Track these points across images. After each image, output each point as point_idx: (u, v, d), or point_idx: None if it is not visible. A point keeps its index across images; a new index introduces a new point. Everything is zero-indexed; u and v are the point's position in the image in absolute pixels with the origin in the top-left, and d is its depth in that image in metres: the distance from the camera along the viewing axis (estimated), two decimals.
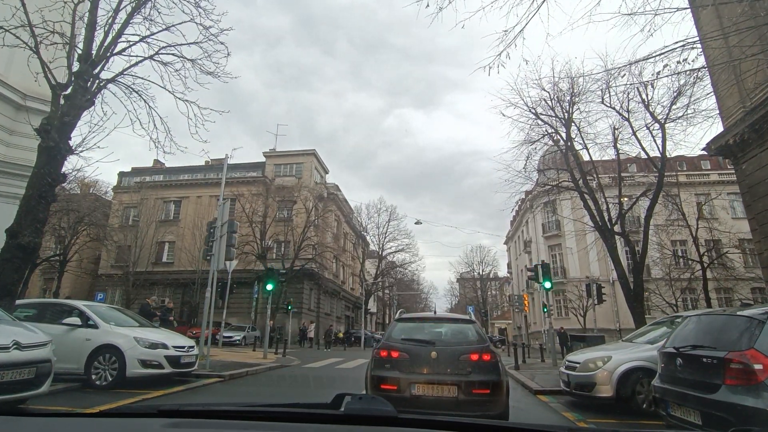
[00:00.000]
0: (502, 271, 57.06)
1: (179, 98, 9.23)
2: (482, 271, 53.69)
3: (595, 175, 14.43)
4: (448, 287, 78.96)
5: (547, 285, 13.17)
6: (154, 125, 9.56)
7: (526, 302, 30.64)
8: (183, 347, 7.59)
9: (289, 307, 27.04)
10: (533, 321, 35.64)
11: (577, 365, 6.39)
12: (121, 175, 40.16)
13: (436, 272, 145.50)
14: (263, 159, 39.21)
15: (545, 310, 27.38)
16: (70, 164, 22.68)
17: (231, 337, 26.84)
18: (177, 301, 34.94)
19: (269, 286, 14.54)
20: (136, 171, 40.91)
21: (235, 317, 32.53)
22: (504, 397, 4.94)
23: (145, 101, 9.10)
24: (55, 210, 28.57)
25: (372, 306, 55.31)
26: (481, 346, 5.19)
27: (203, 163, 40.50)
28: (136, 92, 8.96)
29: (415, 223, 31.49)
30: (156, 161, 45.06)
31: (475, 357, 5.02)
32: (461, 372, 4.91)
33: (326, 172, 41.69)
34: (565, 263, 32.83)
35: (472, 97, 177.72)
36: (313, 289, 35.96)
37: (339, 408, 1.32)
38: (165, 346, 7.20)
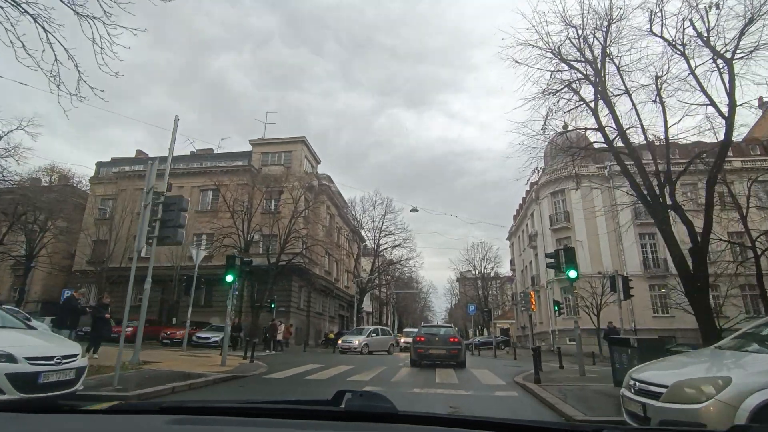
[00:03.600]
0: (504, 269, 54.53)
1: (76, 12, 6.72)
2: (484, 268, 51.11)
3: (640, 128, 11.43)
4: (448, 286, 76.58)
5: (573, 274, 10.61)
6: (54, 55, 7.11)
7: (533, 300, 28.10)
8: (49, 359, 5.04)
9: (272, 306, 24.53)
10: (539, 320, 33.13)
11: (662, 390, 3.86)
12: (99, 165, 37.64)
13: (435, 272, 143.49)
14: (250, 148, 36.70)
15: (556, 308, 24.89)
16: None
17: (208, 338, 24.34)
18: (155, 300, 32.47)
19: (229, 278, 11.99)
20: (116, 161, 38.34)
21: (219, 316, 30.02)
22: (463, 354, 14.08)
23: (28, 14, 6.59)
24: (18, 203, 26.22)
25: (367, 305, 52.80)
26: (454, 335, 14.68)
27: (188, 154, 38.19)
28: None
29: (411, 211, 28.56)
30: (139, 151, 42.60)
31: (452, 340, 14.04)
32: (447, 344, 13.81)
33: (318, 162, 39.15)
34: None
35: (463, 97, 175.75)
36: (303, 286, 33.45)
37: (340, 405, 1.34)
38: (11, 359, 4.66)
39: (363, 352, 21.34)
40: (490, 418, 1.27)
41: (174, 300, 29.77)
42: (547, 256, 11.03)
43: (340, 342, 23.17)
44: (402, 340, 29.19)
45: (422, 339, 14.10)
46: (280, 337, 22.02)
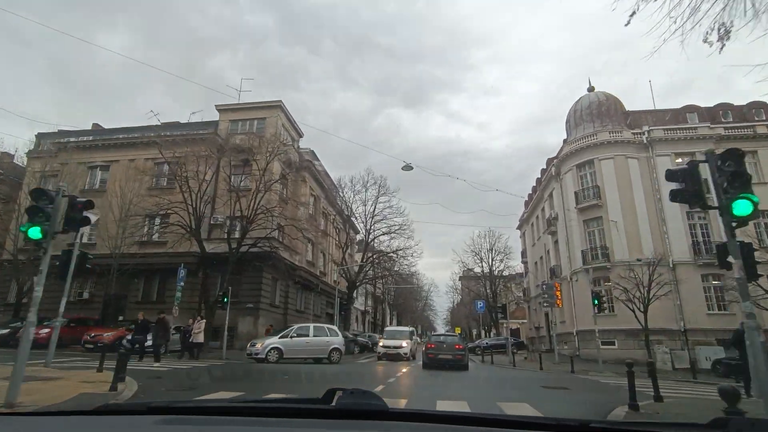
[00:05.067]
0: (515, 261, 48.64)
1: None
2: (492, 260, 45.29)
3: None
4: (451, 283, 70.97)
5: (746, 207, 4.85)
6: None
7: (558, 293, 22.55)
8: None
9: (225, 300, 19.00)
10: (560, 319, 27.52)
11: None
12: (40, 137, 32.05)
13: (436, 273, 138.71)
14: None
15: (596, 302, 19.34)
16: None
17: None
18: (98, 295, 27.02)
19: (34, 233, 6.28)
20: (63, 133, 32.82)
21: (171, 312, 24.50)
22: (466, 358, 16.58)
23: None
24: None
25: (359, 302, 47.18)
26: (459, 342, 17.31)
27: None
28: None
29: (404, 168, 22.01)
30: (95, 125, 37.10)
31: (457, 346, 16.51)
32: (453, 350, 16.17)
33: (299, 135, 33.58)
34: (608, 242, 24.70)
35: (461, 97, 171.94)
36: (278, 279, 27.93)
37: (331, 403, 1.34)
38: None
39: (269, 360, 15.86)
40: (479, 414, 1.29)
41: (111, 294, 24.24)
42: (669, 176, 5.14)
43: (248, 347, 17.42)
44: (381, 344, 21.41)
45: (432, 346, 16.67)
46: (200, 339, 16.37)
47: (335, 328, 18.86)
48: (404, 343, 20.30)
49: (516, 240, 48.51)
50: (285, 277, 28.20)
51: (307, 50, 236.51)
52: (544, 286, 23.02)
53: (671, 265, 23.29)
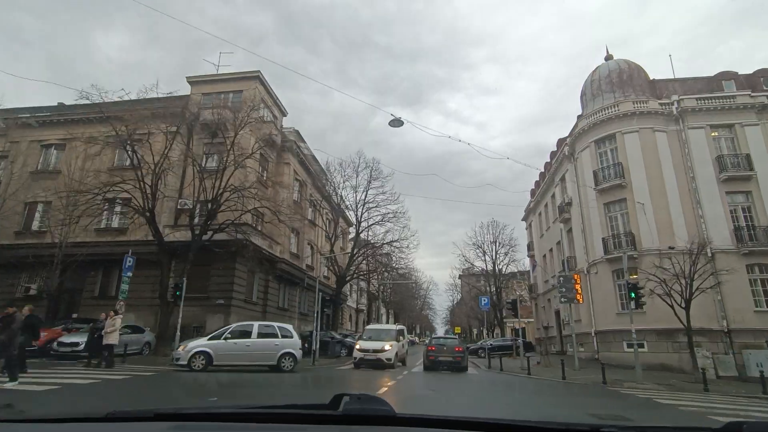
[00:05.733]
0: (521, 254, 45.13)
1: None
2: (496, 253, 41.80)
3: None
4: (451, 281, 67.61)
5: None
6: None
7: (578, 285, 19.17)
8: None
9: (177, 293, 15.64)
10: (576, 317, 24.14)
11: None
12: None
13: (435, 272, 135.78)
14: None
15: (633, 295, 15.86)
16: None
17: (77, 344, 15.47)
18: (53, 289, 23.65)
19: None
20: (17, 110, 29.35)
21: (132, 312, 21.09)
22: (465, 360, 17.16)
23: None
24: None
25: (353, 299, 43.77)
26: (459, 345, 17.93)
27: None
28: None
29: (392, 123, 17.58)
30: (62, 104, 33.75)
31: (457, 349, 17.17)
32: (452, 353, 16.86)
33: (283, 113, 30.21)
34: (633, 228, 21.35)
35: (459, 97, 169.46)
36: (256, 272, 24.58)
37: (337, 408, 1.31)
38: None
39: (194, 368, 12.73)
40: (488, 419, 1.26)
41: (53, 287, 20.85)
42: None
43: (173, 351, 14.26)
44: (357, 346, 17.33)
45: (433, 348, 17.37)
46: (112, 340, 12.83)
47: (289, 327, 15.16)
48: (387, 346, 16.45)
49: (521, 232, 45.18)
50: (263, 269, 24.83)
51: (306, 50, 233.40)
52: (561, 279, 19.63)
53: (710, 254, 19.90)
